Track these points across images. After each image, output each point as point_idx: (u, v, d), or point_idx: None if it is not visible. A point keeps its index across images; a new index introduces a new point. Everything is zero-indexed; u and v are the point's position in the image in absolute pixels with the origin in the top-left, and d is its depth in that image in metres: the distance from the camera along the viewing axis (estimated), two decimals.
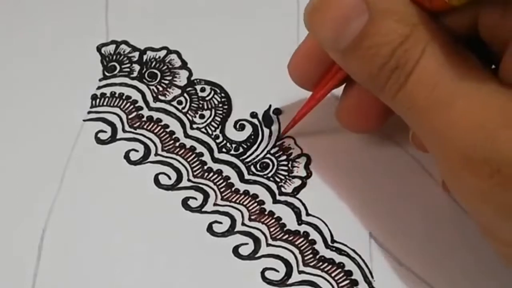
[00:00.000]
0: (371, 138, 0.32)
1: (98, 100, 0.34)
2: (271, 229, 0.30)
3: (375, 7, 0.23)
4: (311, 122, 0.32)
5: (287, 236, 0.30)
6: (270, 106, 0.33)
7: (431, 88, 0.23)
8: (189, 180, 0.31)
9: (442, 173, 0.25)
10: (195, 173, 0.31)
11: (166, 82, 0.34)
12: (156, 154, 0.32)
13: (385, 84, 0.24)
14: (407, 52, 0.23)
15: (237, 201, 0.31)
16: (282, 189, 0.31)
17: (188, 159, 0.32)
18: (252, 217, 0.30)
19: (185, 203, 0.31)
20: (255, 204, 0.31)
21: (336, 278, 0.29)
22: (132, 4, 0.37)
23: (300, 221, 0.30)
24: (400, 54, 0.23)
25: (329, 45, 0.25)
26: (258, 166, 0.32)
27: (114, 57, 0.35)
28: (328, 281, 0.29)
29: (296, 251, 0.29)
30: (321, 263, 0.29)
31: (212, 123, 0.33)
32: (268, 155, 0.32)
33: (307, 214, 0.30)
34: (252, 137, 0.32)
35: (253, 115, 0.33)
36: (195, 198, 0.31)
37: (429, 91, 0.23)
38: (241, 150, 0.32)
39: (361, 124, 0.30)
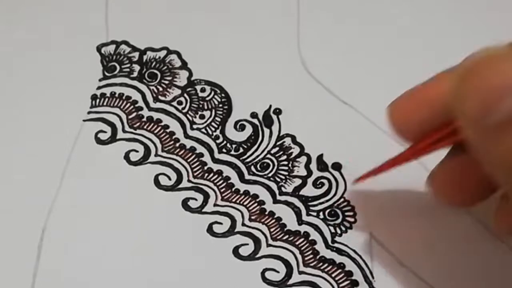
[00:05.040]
0: None
1: (98, 100, 0.34)
2: (271, 230, 0.30)
3: None
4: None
5: (287, 236, 0.30)
6: (270, 106, 0.33)
7: None
8: (189, 180, 0.31)
9: None
10: (195, 174, 0.31)
11: (166, 82, 0.34)
12: (156, 155, 0.32)
13: None
14: None
15: (237, 202, 0.31)
16: (283, 188, 0.31)
17: (188, 160, 0.32)
18: (252, 217, 0.30)
19: (185, 203, 0.31)
20: (256, 204, 0.31)
21: (336, 278, 0.29)
22: (132, 4, 0.37)
23: (300, 221, 0.30)
24: None
25: (473, 116, 0.21)
26: (258, 166, 0.32)
27: (114, 57, 0.35)
28: (328, 281, 0.29)
29: (297, 252, 0.29)
30: (321, 264, 0.29)
31: (212, 123, 0.33)
32: (269, 155, 0.32)
33: (308, 214, 0.30)
34: (252, 137, 0.32)
35: (253, 115, 0.33)
36: (195, 199, 0.31)
37: None
38: (241, 150, 0.32)
39: (457, 199, 0.27)
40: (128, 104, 0.34)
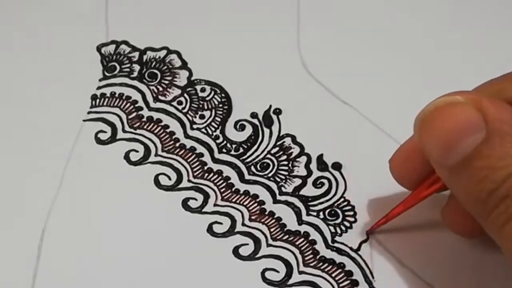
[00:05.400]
0: None
1: (98, 100, 0.34)
2: (272, 229, 0.30)
3: (494, 126, 0.22)
4: None
5: (287, 236, 0.30)
6: (270, 106, 0.33)
7: None
8: (189, 180, 0.31)
9: None
10: (195, 174, 0.31)
11: (166, 82, 0.34)
12: (156, 155, 0.32)
13: (491, 213, 0.22)
14: None
15: (237, 202, 0.31)
16: (283, 188, 0.31)
17: (188, 160, 0.32)
18: (253, 217, 0.30)
19: (185, 203, 0.31)
20: (256, 204, 0.31)
21: (336, 278, 0.29)
22: (132, 4, 0.37)
23: (300, 221, 0.30)
24: None
25: (436, 159, 0.23)
26: (258, 166, 0.32)
27: (114, 57, 0.35)
28: (328, 281, 0.29)
29: (297, 252, 0.29)
30: (321, 264, 0.29)
31: (212, 123, 0.33)
32: (269, 155, 0.32)
33: (308, 214, 0.30)
34: (252, 137, 0.32)
35: (253, 115, 0.33)
36: (195, 199, 0.31)
37: None
38: (241, 150, 0.32)
39: (467, 230, 0.28)
40: (128, 104, 0.34)
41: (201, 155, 0.32)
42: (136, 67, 0.35)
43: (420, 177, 0.27)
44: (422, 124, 0.24)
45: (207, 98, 0.34)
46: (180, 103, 0.34)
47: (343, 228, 0.30)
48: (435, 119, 0.23)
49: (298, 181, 0.31)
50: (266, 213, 0.30)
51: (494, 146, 0.22)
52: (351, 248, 0.29)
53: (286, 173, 0.31)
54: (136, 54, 0.35)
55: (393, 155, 0.28)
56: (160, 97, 0.34)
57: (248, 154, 0.32)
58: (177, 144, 0.32)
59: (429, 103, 0.24)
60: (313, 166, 0.32)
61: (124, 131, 0.33)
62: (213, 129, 0.33)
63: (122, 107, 0.33)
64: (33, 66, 0.35)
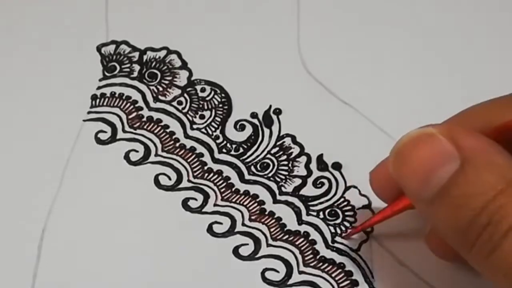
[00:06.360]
0: None
1: (98, 100, 0.34)
2: (271, 229, 0.30)
3: (468, 154, 0.22)
4: None
5: (287, 236, 0.30)
6: (270, 106, 0.33)
7: None
8: (189, 180, 0.31)
9: None
10: (195, 174, 0.31)
11: (166, 82, 0.34)
12: (156, 155, 0.32)
13: (475, 242, 0.21)
14: (502, 209, 0.21)
15: (237, 202, 0.31)
16: (283, 188, 0.31)
17: (188, 160, 0.32)
18: (252, 217, 0.30)
19: (185, 203, 0.31)
20: (256, 204, 0.31)
21: (336, 278, 0.29)
22: (132, 4, 0.37)
23: (300, 221, 0.30)
24: (494, 210, 0.21)
25: (412, 193, 0.23)
26: (258, 166, 0.32)
27: (114, 57, 0.35)
28: (328, 281, 0.29)
29: (297, 251, 0.29)
30: (321, 264, 0.29)
31: (212, 123, 0.33)
32: (269, 155, 0.32)
33: (308, 214, 0.30)
34: (252, 137, 0.32)
35: (253, 115, 0.33)
36: (195, 199, 0.31)
37: None
38: (241, 150, 0.32)
39: (451, 256, 0.28)
40: (128, 104, 0.34)
41: (201, 155, 0.32)
42: (136, 67, 0.35)
43: (396, 191, 0.27)
44: (396, 158, 0.23)
45: (207, 98, 0.34)
46: (180, 103, 0.34)
47: (343, 228, 0.30)
48: (409, 153, 0.23)
49: (298, 181, 0.31)
50: (266, 213, 0.30)
51: (469, 174, 0.21)
52: (351, 248, 0.29)
53: (286, 173, 0.31)
54: (136, 54, 0.35)
55: (374, 168, 0.28)
56: (160, 97, 0.34)
57: (248, 154, 0.32)
58: (177, 144, 0.32)
59: (401, 136, 0.23)
60: (313, 166, 0.32)
61: (124, 131, 0.33)
62: (213, 129, 0.33)
63: (122, 107, 0.33)
64: (33, 66, 0.35)
